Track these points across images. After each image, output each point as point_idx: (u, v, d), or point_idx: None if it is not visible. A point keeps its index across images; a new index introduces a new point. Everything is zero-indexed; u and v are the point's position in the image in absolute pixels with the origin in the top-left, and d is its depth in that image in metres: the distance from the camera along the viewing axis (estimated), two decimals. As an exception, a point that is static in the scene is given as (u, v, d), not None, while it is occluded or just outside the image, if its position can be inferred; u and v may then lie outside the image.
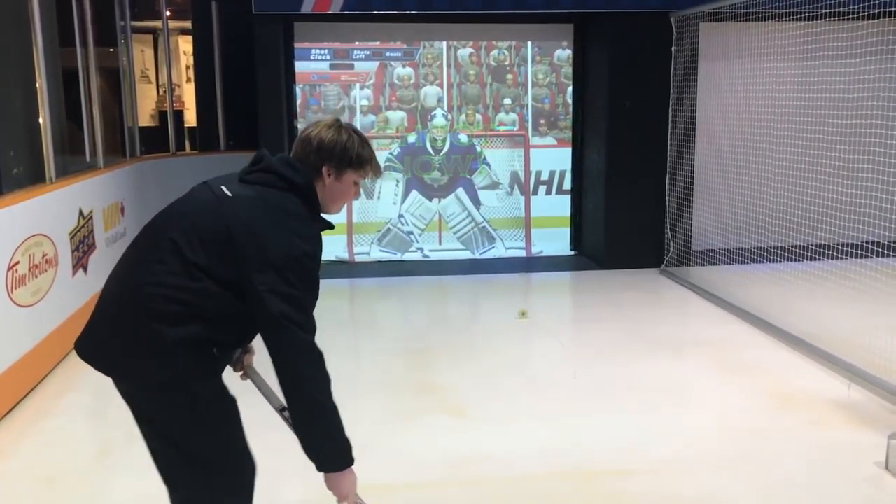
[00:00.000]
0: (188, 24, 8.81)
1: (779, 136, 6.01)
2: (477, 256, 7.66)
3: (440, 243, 7.66)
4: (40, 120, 4.92)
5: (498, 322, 5.72)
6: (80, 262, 5.07)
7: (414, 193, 7.57)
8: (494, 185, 7.64)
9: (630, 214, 7.06)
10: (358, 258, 7.52)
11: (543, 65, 7.52)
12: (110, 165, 6.20)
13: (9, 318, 4.04)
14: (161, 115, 10.51)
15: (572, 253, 7.79)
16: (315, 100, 7.34)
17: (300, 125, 7.34)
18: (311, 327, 2.09)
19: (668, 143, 6.83)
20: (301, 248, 2.04)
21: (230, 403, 2.20)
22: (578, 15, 7.12)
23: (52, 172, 4.91)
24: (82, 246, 5.14)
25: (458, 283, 6.86)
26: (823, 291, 5.44)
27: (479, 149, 7.57)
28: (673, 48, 6.63)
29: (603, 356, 4.84)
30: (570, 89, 7.56)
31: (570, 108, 7.60)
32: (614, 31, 6.89)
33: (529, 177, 7.67)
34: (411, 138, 7.48)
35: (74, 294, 4.96)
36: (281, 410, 2.23)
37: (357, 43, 7.32)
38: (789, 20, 5.57)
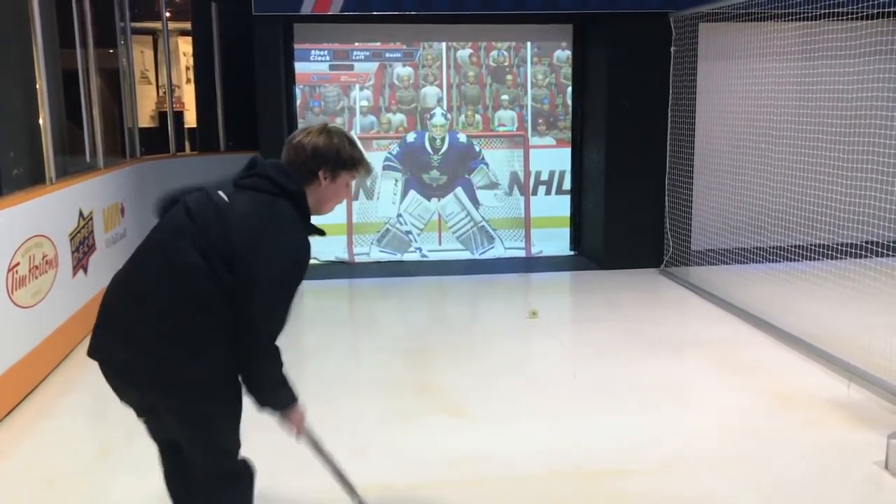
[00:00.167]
0: (188, 25, 8.83)
1: (778, 137, 6.01)
2: (476, 256, 7.66)
3: (440, 243, 7.67)
4: (40, 121, 4.92)
5: (498, 322, 5.73)
6: (80, 263, 5.07)
7: (412, 193, 7.57)
8: (493, 186, 7.64)
9: (630, 214, 7.07)
10: (358, 258, 7.53)
11: (543, 65, 7.53)
12: (110, 166, 6.20)
13: (9, 319, 4.05)
14: (161, 115, 10.53)
15: (572, 253, 7.80)
16: (316, 101, 7.35)
17: (301, 126, 7.34)
18: (280, 330, 2.17)
19: (668, 143, 6.83)
20: (293, 255, 2.15)
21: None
22: (578, 15, 7.12)
23: (52, 173, 4.92)
24: (82, 247, 5.15)
25: (457, 284, 6.86)
26: (823, 291, 5.44)
27: (478, 148, 7.58)
28: (672, 48, 6.64)
29: (603, 356, 4.85)
30: (569, 90, 7.56)
31: (570, 109, 7.60)
32: (614, 32, 6.89)
33: (529, 177, 7.68)
34: (410, 138, 7.49)
35: (75, 295, 4.96)
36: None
37: (357, 44, 7.32)
38: (788, 20, 5.57)
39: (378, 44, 7.35)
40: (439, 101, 7.46)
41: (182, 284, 2.09)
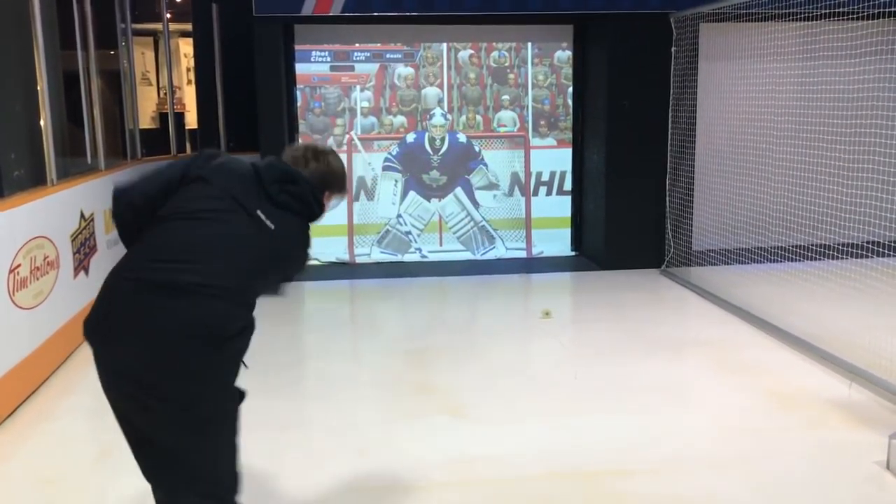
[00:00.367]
0: (188, 27, 8.82)
1: (779, 137, 6.01)
2: (477, 257, 7.66)
3: (440, 244, 7.67)
4: (41, 122, 4.93)
5: (498, 323, 5.73)
6: (81, 265, 5.08)
7: (412, 194, 7.57)
8: (492, 186, 7.64)
9: (630, 215, 7.07)
10: (358, 259, 7.53)
11: (543, 66, 7.53)
12: (111, 167, 6.21)
13: (10, 321, 4.05)
14: (162, 116, 10.54)
15: (573, 253, 7.80)
16: (317, 102, 7.36)
17: (301, 127, 7.35)
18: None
19: (669, 143, 6.83)
20: (306, 265, 2.46)
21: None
22: (578, 16, 7.13)
23: (53, 175, 4.92)
24: (84, 248, 5.15)
25: (458, 284, 6.86)
26: (824, 291, 5.44)
27: (477, 149, 7.58)
28: (673, 49, 6.64)
29: (603, 356, 4.85)
30: (570, 90, 7.57)
31: (571, 109, 7.60)
32: (614, 32, 6.90)
33: (530, 178, 7.68)
34: (410, 138, 7.49)
35: (76, 296, 4.96)
36: None
37: (357, 45, 7.33)
38: (789, 20, 5.57)
39: (378, 45, 7.36)
40: (440, 101, 7.46)
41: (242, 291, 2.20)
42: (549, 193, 7.75)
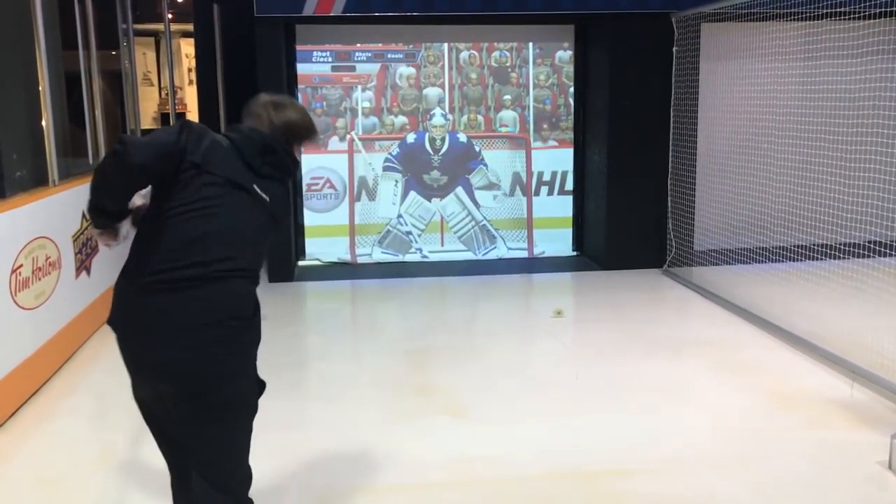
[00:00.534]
0: (190, 27, 8.83)
1: (781, 136, 6.01)
2: (479, 257, 7.66)
3: (442, 244, 7.67)
4: (43, 123, 4.93)
5: (499, 323, 5.73)
6: (83, 265, 5.09)
7: (413, 194, 7.57)
8: (492, 186, 7.64)
9: (632, 215, 7.07)
10: (360, 259, 7.53)
11: (545, 66, 7.53)
12: (113, 168, 6.20)
13: (12, 321, 4.06)
14: (163, 117, 10.55)
15: (574, 254, 7.79)
16: (318, 102, 7.35)
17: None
18: None
19: (670, 143, 6.83)
20: None
21: None
22: (579, 16, 7.12)
23: (54, 175, 4.93)
24: (85, 248, 5.16)
25: (459, 284, 6.86)
26: (826, 291, 5.43)
27: (477, 149, 7.58)
28: (674, 49, 6.63)
29: (605, 356, 4.85)
30: (571, 90, 7.56)
31: (572, 109, 7.60)
32: (615, 32, 6.89)
33: (531, 178, 7.68)
34: (410, 138, 7.49)
35: (78, 296, 4.97)
36: None
37: (358, 45, 7.33)
38: (791, 20, 5.57)
39: (380, 45, 7.36)
40: (439, 101, 7.46)
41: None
42: (550, 193, 7.74)
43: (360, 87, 7.38)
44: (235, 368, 2.23)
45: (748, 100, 6.33)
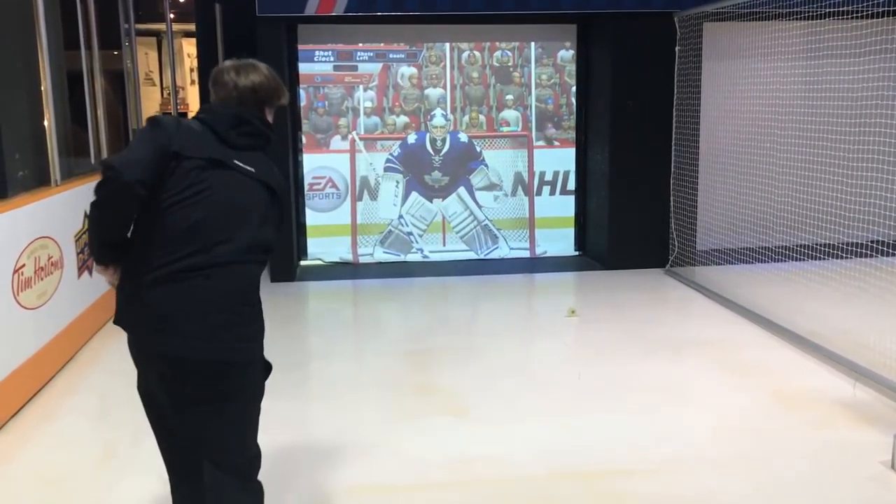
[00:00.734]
0: (192, 27, 8.84)
1: (783, 136, 6.00)
2: (481, 257, 7.65)
3: (444, 244, 7.66)
4: (45, 123, 4.94)
5: (501, 323, 5.73)
6: (85, 265, 5.09)
7: (414, 195, 7.57)
8: (492, 187, 7.63)
9: (634, 215, 7.06)
10: (362, 259, 7.53)
11: (547, 66, 7.52)
12: (115, 168, 6.20)
13: (15, 321, 4.06)
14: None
15: (576, 253, 7.79)
16: (320, 102, 7.35)
17: (304, 127, 7.35)
18: None
19: (672, 143, 6.82)
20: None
21: None
22: (581, 15, 7.12)
23: (56, 175, 4.93)
24: (87, 248, 5.16)
25: (461, 284, 6.86)
26: (828, 291, 5.42)
27: (478, 149, 7.57)
28: (676, 48, 6.62)
29: (607, 356, 4.84)
30: (573, 89, 7.56)
31: (574, 109, 7.59)
32: (617, 32, 6.89)
33: (533, 177, 7.67)
34: (411, 139, 7.49)
35: (80, 296, 4.97)
36: None
37: (360, 44, 7.33)
38: (793, 19, 5.56)
39: (382, 44, 7.35)
40: (439, 101, 7.45)
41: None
42: (552, 193, 7.74)
43: (361, 86, 7.38)
44: (247, 356, 2.26)
45: (750, 99, 6.32)
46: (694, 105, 6.66)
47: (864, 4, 5.12)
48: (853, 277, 5.15)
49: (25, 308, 4.17)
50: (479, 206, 7.64)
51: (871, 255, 5.11)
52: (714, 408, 4.04)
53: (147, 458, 3.34)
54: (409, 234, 7.60)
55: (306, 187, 7.42)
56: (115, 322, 2.29)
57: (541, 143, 7.62)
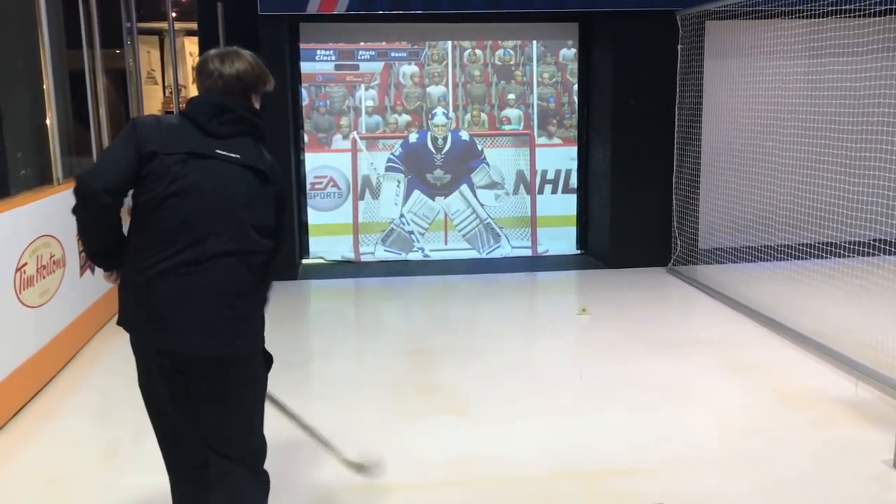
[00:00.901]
0: (194, 26, 8.84)
1: (786, 135, 5.99)
2: (483, 256, 7.65)
3: (446, 243, 7.66)
4: (47, 121, 4.94)
5: (502, 322, 5.72)
6: (87, 263, 5.09)
7: (416, 193, 7.56)
8: (494, 185, 7.63)
9: (636, 214, 7.05)
10: (363, 258, 7.53)
11: (549, 64, 7.51)
12: (117, 166, 6.20)
13: (17, 319, 4.06)
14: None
15: (578, 252, 7.78)
16: (322, 101, 7.35)
17: (306, 125, 7.35)
18: None
19: (674, 141, 6.81)
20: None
21: None
22: (583, 14, 7.11)
23: (59, 174, 4.94)
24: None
25: (462, 283, 6.85)
26: (831, 290, 5.41)
27: (480, 147, 7.56)
28: (679, 46, 6.61)
29: (609, 355, 4.84)
30: (575, 88, 7.55)
31: (576, 107, 7.58)
32: (620, 30, 6.88)
33: (535, 176, 7.66)
34: (413, 138, 7.48)
35: (82, 295, 4.98)
36: None
37: (362, 43, 7.32)
38: (796, 17, 5.55)
39: (383, 43, 7.35)
40: (439, 99, 7.44)
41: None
42: (554, 192, 7.73)
43: (363, 85, 7.37)
44: (246, 351, 2.27)
45: (753, 98, 6.31)
46: (696, 103, 6.65)
47: (867, 2, 5.10)
48: (855, 276, 5.14)
49: (27, 306, 4.17)
50: (482, 205, 7.63)
51: (874, 254, 5.10)
52: (715, 407, 4.03)
53: (148, 458, 3.34)
54: (411, 232, 7.60)
55: (308, 186, 7.42)
56: (118, 323, 2.30)
57: (543, 139, 7.61)
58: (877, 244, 5.03)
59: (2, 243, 3.95)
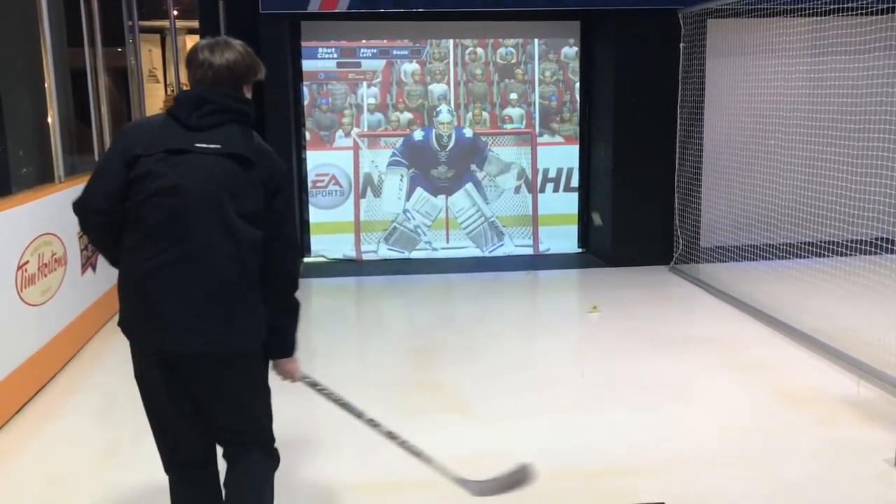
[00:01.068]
0: (195, 24, 8.84)
1: (788, 133, 5.98)
2: (485, 254, 7.64)
3: (447, 241, 7.65)
4: (49, 120, 4.94)
5: (505, 320, 5.72)
6: (88, 262, 5.09)
7: (419, 190, 7.56)
8: (497, 183, 7.62)
9: (638, 212, 7.04)
10: (365, 256, 7.53)
11: (551, 62, 7.50)
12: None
13: (18, 318, 4.06)
14: (169, 114, 10.54)
15: (580, 250, 7.77)
16: (324, 99, 7.35)
17: (308, 123, 7.35)
18: None
19: (676, 139, 6.80)
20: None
21: None
22: (585, 12, 7.10)
23: (60, 172, 4.94)
24: (91, 245, 5.17)
25: (465, 281, 6.85)
26: (833, 288, 5.40)
27: (484, 143, 7.56)
28: (681, 45, 6.60)
29: (611, 354, 4.83)
30: (577, 86, 7.54)
31: (578, 106, 7.57)
32: (621, 29, 6.87)
33: (537, 174, 7.66)
34: (417, 136, 7.48)
35: (83, 293, 4.98)
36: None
37: (364, 41, 7.32)
38: (798, 16, 5.53)
39: (385, 41, 7.34)
40: (440, 98, 7.43)
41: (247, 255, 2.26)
42: (556, 190, 7.72)
43: (365, 83, 7.37)
44: (241, 347, 2.28)
45: (755, 96, 6.30)
46: (698, 102, 6.64)
47: (869, 1, 5.09)
48: (858, 275, 5.12)
49: (29, 305, 4.17)
50: (487, 202, 7.63)
51: (876, 253, 5.09)
52: (717, 406, 4.03)
53: (148, 458, 3.34)
54: (417, 227, 7.58)
55: (310, 184, 7.42)
56: (119, 325, 2.31)
57: (545, 137, 7.60)
58: (879, 243, 5.02)
59: (3, 241, 3.96)
